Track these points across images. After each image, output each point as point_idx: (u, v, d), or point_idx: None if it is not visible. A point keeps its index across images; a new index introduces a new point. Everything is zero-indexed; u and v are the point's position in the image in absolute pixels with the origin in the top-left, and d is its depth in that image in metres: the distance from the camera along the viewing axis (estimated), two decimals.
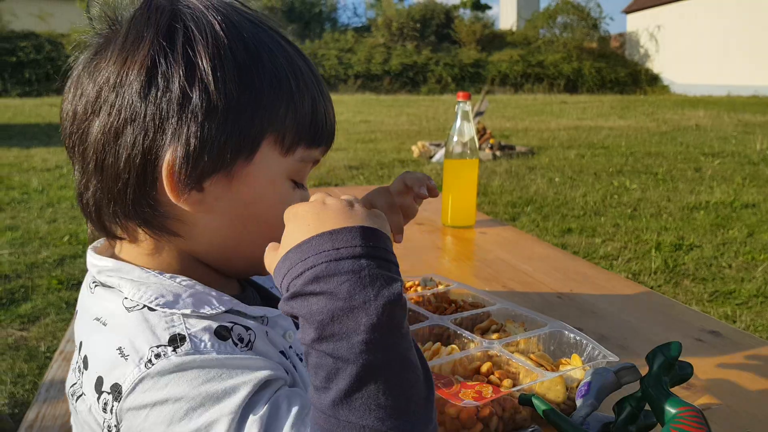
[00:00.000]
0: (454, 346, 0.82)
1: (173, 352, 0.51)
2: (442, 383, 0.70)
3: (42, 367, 2.38)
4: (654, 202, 5.16)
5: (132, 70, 0.55)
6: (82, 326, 0.60)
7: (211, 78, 0.54)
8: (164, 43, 0.55)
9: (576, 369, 0.78)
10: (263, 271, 0.65)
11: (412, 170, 0.90)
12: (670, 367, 0.64)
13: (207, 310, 0.56)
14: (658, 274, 3.53)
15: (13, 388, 2.25)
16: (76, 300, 0.66)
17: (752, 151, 7.72)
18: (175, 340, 0.52)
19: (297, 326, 0.54)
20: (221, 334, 0.54)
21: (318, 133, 0.63)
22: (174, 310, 0.55)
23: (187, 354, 0.51)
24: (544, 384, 0.74)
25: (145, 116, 0.54)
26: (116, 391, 0.51)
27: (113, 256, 0.62)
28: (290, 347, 0.63)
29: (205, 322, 0.55)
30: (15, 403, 2.16)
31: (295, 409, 0.50)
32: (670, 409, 0.60)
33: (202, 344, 0.53)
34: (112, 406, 0.52)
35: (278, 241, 0.56)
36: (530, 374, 0.75)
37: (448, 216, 1.71)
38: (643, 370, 0.67)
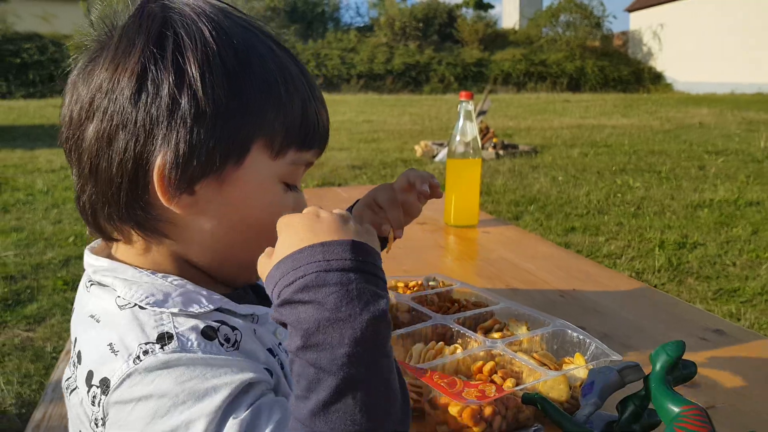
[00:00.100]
0: (457, 345, 0.82)
1: (161, 350, 0.53)
2: (445, 382, 0.71)
3: (48, 368, 2.39)
4: (657, 201, 5.15)
5: (123, 76, 0.56)
6: (77, 322, 0.62)
7: (199, 84, 0.55)
8: (154, 50, 0.56)
9: (579, 368, 0.78)
10: (254, 277, 0.68)
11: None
12: (673, 366, 0.64)
13: (196, 309, 0.58)
14: (661, 273, 3.52)
15: (19, 388, 2.26)
16: None
17: (756, 149, 7.69)
18: (163, 338, 0.54)
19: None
20: (208, 334, 0.56)
21: (309, 136, 0.64)
22: (163, 309, 0.57)
23: (173, 351, 0.53)
24: (547, 383, 0.75)
25: (136, 122, 0.56)
26: (105, 385, 0.53)
27: (109, 256, 0.64)
28: (279, 344, 0.65)
29: (193, 322, 0.56)
30: (22, 403, 2.17)
31: (275, 418, 0.51)
32: (674, 408, 0.60)
33: (189, 343, 0.54)
34: (100, 399, 0.53)
35: (270, 244, 0.58)
36: (533, 373, 0.75)
37: (451, 215, 1.71)
38: (647, 369, 0.67)
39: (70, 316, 0.66)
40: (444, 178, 1.72)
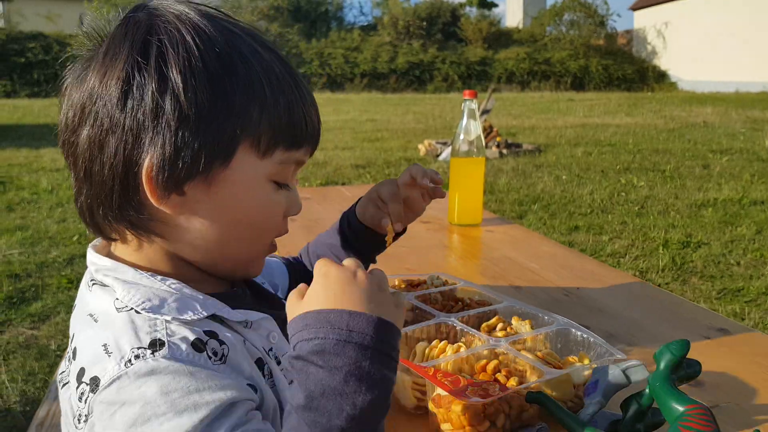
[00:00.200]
0: (461, 344, 0.82)
1: (151, 356, 0.55)
2: (448, 381, 0.71)
3: (52, 366, 2.40)
4: (661, 200, 5.14)
5: (110, 83, 0.59)
6: (77, 319, 0.64)
7: (181, 88, 0.57)
8: (138, 57, 0.58)
9: (583, 367, 0.78)
10: (250, 272, 0.72)
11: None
12: (678, 365, 0.64)
13: (189, 316, 0.60)
14: (665, 272, 3.51)
15: (24, 386, 2.27)
16: None
17: (761, 148, 7.66)
18: (155, 345, 0.56)
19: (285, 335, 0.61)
20: (197, 346, 0.58)
21: (296, 135, 0.65)
22: (157, 315, 0.59)
23: (164, 358, 0.55)
24: (551, 382, 0.75)
25: (124, 126, 0.58)
26: (94, 383, 0.55)
27: (110, 254, 0.66)
28: (271, 349, 0.67)
29: (185, 332, 0.58)
30: (26, 401, 2.18)
31: None
32: (678, 407, 0.60)
33: (179, 351, 0.56)
34: (88, 396, 0.55)
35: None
36: (537, 372, 0.75)
37: (454, 214, 1.71)
38: (651, 368, 0.67)
39: None
40: (447, 177, 1.72)
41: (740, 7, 19.96)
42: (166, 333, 0.57)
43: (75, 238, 4.01)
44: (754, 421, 0.78)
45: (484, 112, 7.64)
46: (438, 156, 7.29)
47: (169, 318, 0.59)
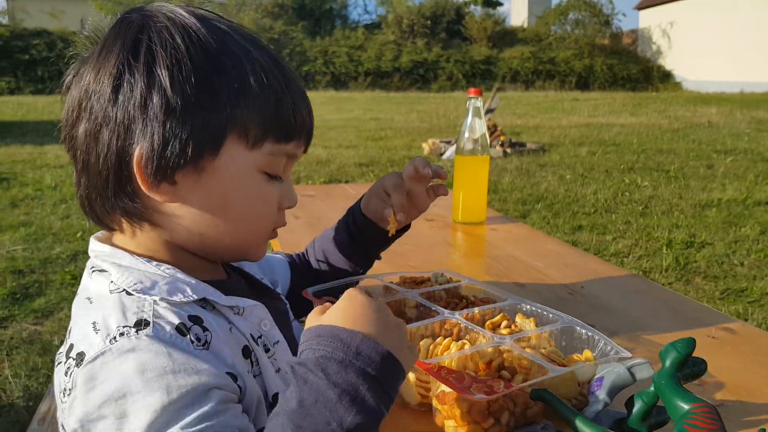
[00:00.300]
0: (465, 341, 0.82)
1: (135, 334, 0.57)
2: (453, 378, 0.70)
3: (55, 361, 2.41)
4: (665, 200, 5.13)
5: (103, 79, 0.62)
6: (76, 304, 0.68)
7: (168, 83, 0.61)
8: (128, 55, 0.62)
9: (588, 365, 0.78)
10: (248, 257, 0.75)
11: None
12: (683, 363, 0.64)
13: (179, 297, 0.63)
14: (669, 272, 3.51)
15: (27, 381, 2.28)
16: None
17: (765, 148, 7.64)
18: (140, 324, 0.59)
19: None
20: (181, 330, 0.60)
21: (286, 128, 0.68)
22: (146, 296, 0.61)
23: (147, 336, 0.57)
24: (555, 379, 0.74)
25: (116, 119, 0.62)
26: (80, 358, 0.58)
27: (111, 243, 0.69)
28: (260, 336, 0.70)
29: (171, 315, 0.61)
30: (29, 396, 2.19)
31: None
32: (683, 405, 0.60)
33: (163, 333, 0.59)
34: (73, 371, 0.58)
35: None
36: (542, 370, 0.75)
37: (458, 212, 1.70)
38: (656, 366, 0.67)
39: None
40: (452, 176, 1.72)
41: (745, 7, 19.89)
42: (153, 314, 0.60)
43: (78, 235, 4.02)
44: (760, 421, 0.78)
45: (489, 111, 7.64)
46: (442, 155, 7.28)
47: (157, 298, 0.61)
